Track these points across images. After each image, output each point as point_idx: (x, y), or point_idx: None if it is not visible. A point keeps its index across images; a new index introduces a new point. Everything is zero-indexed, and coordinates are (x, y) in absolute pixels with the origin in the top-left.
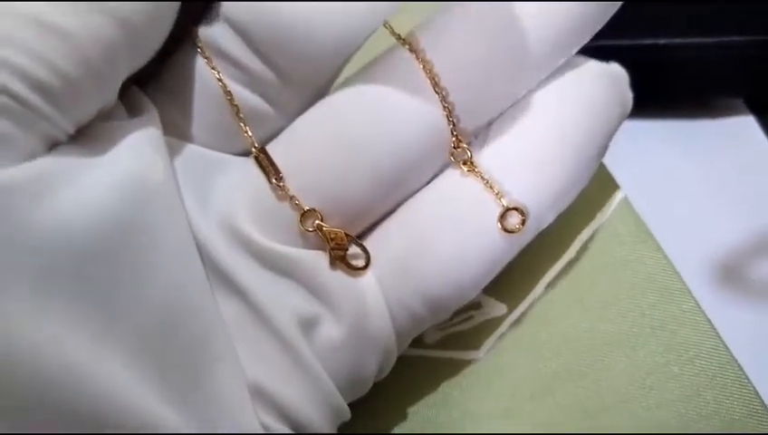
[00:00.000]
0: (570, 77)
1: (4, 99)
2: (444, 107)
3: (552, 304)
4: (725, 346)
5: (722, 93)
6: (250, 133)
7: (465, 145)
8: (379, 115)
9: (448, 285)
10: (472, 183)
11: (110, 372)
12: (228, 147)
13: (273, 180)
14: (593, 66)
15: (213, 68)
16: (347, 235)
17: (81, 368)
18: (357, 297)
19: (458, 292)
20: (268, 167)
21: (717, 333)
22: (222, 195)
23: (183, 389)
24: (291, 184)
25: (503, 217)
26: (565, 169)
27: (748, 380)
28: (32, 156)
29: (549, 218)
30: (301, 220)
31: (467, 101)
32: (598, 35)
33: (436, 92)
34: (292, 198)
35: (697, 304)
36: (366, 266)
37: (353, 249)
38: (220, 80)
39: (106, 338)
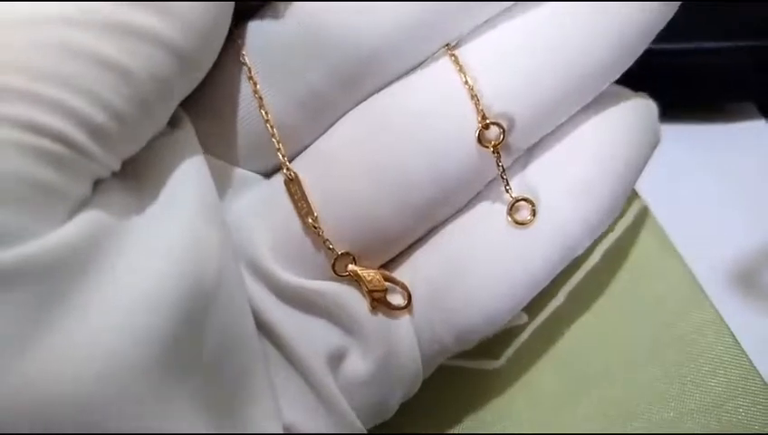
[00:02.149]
0: (606, 107)
1: (58, 147)
2: (482, 120)
3: (572, 314)
4: (747, 356)
5: (734, 98)
6: (283, 152)
7: (502, 167)
8: (421, 145)
9: (479, 317)
10: (504, 214)
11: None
12: (253, 163)
13: (310, 220)
14: (627, 96)
15: (250, 78)
16: (384, 275)
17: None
18: (388, 330)
19: (489, 324)
20: (301, 202)
21: (738, 343)
22: (244, 224)
23: (221, 419)
24: (321, 215)
25: (511, 208)
26: (604, 200)
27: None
28: (76, 204)
29: (585, 245)
30: (334, 265)
31: (511, 120)
32: None
33: (476, 105)
34: (325, 241)
35: (718, 314)
36: (407, 306)
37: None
38: (256, 92)
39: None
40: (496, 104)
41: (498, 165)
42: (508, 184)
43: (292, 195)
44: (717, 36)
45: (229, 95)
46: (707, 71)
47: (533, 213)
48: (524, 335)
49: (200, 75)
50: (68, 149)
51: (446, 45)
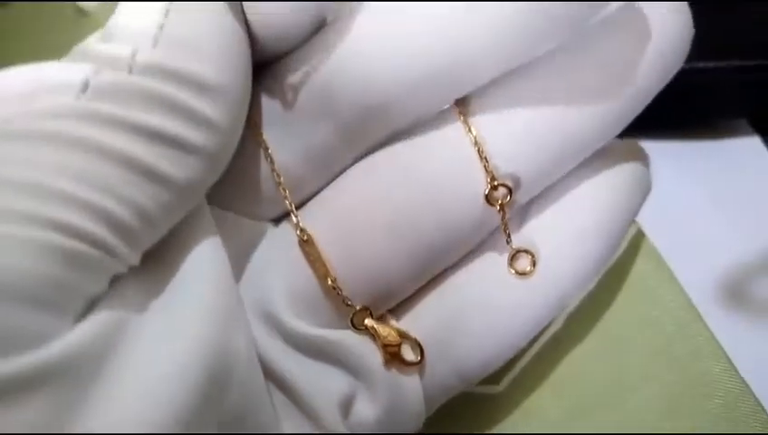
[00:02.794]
0: (601, 159)
1: (86, 248)
2: (491, 181)
3: (570, 338)
4: (741, 378)
5: (726, 115)
6: (293, 206)
7: (505, 223)
8: (433, 204)
9: (480, 364)
10: (504, 262)
11: None
12: (261, 212)
13: (329, 282)
14: (622, 147)
15: (258, 133)
16: (398, 331)
17: None
18: (397, 382)
19: (491, 366)
20: (318, 263)
21: (733, 365)
22: (257, 274)
23: None
24: (337, 272)
25: (512, 259)
26: (597, 251)
27: (763, 409)
28: (93, 299)
29: (578, 293)
30: (353, 319)
31: (517, 180)
32: None
33: (485, 168)
34: (344, 299)
35: (713, 336)
36: (420, 362)
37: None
38: (261, 143)
39: None
40: (503, 165)
41: (503, 221)
42: (509, 236)
43: (307, 255)
44: (709, 56)
45: (237, 149)
46: (700, 89)
47: (533, 263)
48: (525, 360)
49: (225, 165)
50: (96, 250)
51: (456, 104)
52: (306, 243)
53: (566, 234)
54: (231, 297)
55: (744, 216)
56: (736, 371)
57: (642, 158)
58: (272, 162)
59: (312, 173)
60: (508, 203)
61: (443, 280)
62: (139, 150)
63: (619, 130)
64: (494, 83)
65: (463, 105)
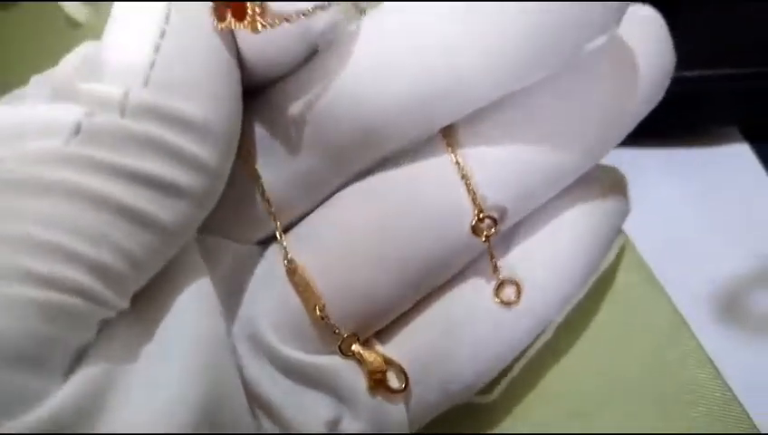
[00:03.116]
0: (580, 185)
1: (77, 301)
2: (477, 213)
3: (560, 348)
4: (728, 386)
5: (717, 123)
6: (281, 233)
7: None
8: (420, 233)
9: (467, 382)
10: (489, 283)
11: None
12: (248, 235)
13: (318, 312)
14: (600, 172)
15: (247, 160)
16: (384, 358)
17: None
18: (381, 406)
19: (476, 386)
20: (306, 292)
21: (719, 372)
22: (245, 299)
23: None
24: (326, 300)
25: (498, 288)
26: (579, 275)
27: (749, 417)
28: (82, 349)
29: (557, 317)
30: (341, 346)
31: (503, 211)
32: None
33: (473, 200)
34: (332, 327)
35: (699, 345)
36: (404, 389)
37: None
38: (257, 175)
39: None
40: (490, 196)
41: (489, 251)
42: (496, 266)
43: (295, 285)
44: (700, 65)
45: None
46: (690, 98)
47: (518, 293)
48: (516, 370)
49: (215, 203)
50: (85, 301)
51: (443, 133)
52: (294, 273)
53: (547, 262)
54: (220, 339)
55: (733, 223)
56: (722, 378)
57: (620, 182)
58: (261, 188)
59: (299, 197)
60: (493, 234)
61: (428, 303)
62: (129, 196)
63: (602, 158)
64: (481, 112)
65: (450, 135)
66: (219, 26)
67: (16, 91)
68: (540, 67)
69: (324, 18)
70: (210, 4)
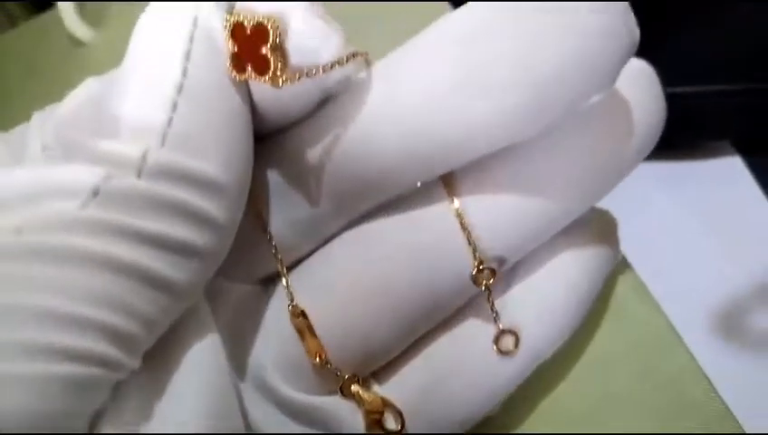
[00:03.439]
0: (573, 229)
1: (88, 369)
2: (477, 264)
3: (555, 363)
4: (722, 400)
5: (709, 137)
6: (288, 280)
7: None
8: (418, 280)
9: (459, 421)
10: (485, 326)
11: None
12: (251, 275)
13: (317, 359)
14: (593, 215)
15: (253, 205)
16: (383, 400)
17: None
18: None
19: (468, 424)
20: (310, 338)
21: (713, 387)
22: (248, 339)
23: None
24: (327, 344)
25: (497, 338)
26: (571, 320)
27: (744, 433)
28: (95, 417)
29: (548, 355)
30: (342, 387)
31: (502, 260)
32: None
33: (473, 251)
34: (335, 370)
35: (694, 359)
36: (400, 431)
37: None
38: (264, 220)
39: None
40: (489, 247)
41: (489, 300)
42: (497, 314)
43: (299, 329)
44: (694, 80)
45: None
46: (684, 113)
47: (516, 343)
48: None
49: (224, 257)
50: (100, 369)
51: (443, 181)
52: (298, 317)
53: (541, 308)
54: (229, 393)
55: (726, 237)
56: (716, 392)
57: (612, 226)
58: (269, 234)
59: (303, 240)
60: (493, 284)
61: (425, 344)
62: (145, 259)
63: (596, 202)
64: (481, 161)
65: (450, 182)
66: (238, 78)
67: (18, 129)
68: (542, 118)
69: (340, 70)
70: (229, 53)
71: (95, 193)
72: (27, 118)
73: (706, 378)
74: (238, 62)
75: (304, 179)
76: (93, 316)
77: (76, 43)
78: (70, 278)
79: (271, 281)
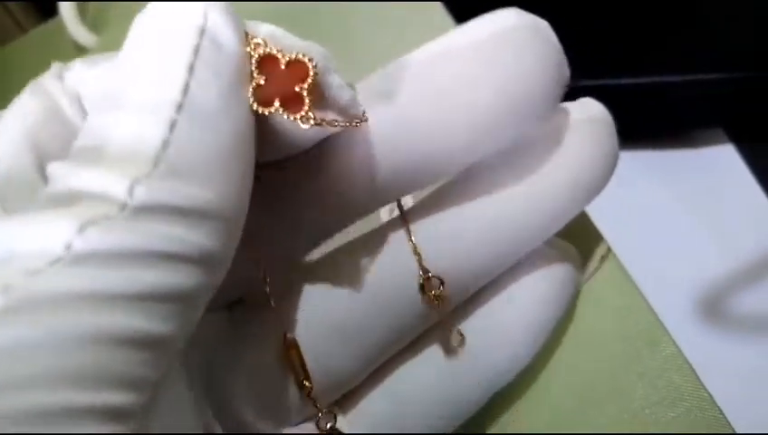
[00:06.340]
0: (534, 260)
1: None
2: (432, 297)
3: (539, 355)
4: (705, 389)
5: (702, 125)
6: (278, 311)
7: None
8: (375, 303)
9: None
10: (442, 352)
11: None
12: (221, 300)
13: (306, 386)
14: (554, 249)
15: None
16: None
17: None
18: None
19: None
20: (299, 368)
21: (697, 376)
22: (220, 371)
23: None
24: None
25: (452, 350)
26: (531, 347)
27: (726, 420)
28: None
29: (509, 379)
30: (318, 422)
31: (451, 276)
32: (581, 76)
33: (426, 275)
34: (315, 401)
35: (679, 349)
36: None
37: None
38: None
39: None
40: (434, 264)
41: (437, 308)
42: (450, 330)
43: (290, 360)
44: (685, 69)
45: None
46: (676, 101)
47: (462, 341)
48: None
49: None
50: None
51: (399, 208)
52: (290, 349)
53: (499, 334)
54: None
55: (717, 224)
56: (700, 381)
57: (573, 258)
58: (264, 268)
59: (281, 268)
60: (442, 295)
61: (388, 372)
62: (130, 321)
63: (555, 231)
64: (437, 191)
65: (402, 207)
66: (262, 111)
67: None
68: (507, 136)
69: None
70: (254, 85)
71: (67, 251)
72: None
73: (691, 368)
74: (264, 95)
75: (295, 213)
76: (79, 400)
77: (81, 50)
78: (45, 364)
79: (236, 304)
